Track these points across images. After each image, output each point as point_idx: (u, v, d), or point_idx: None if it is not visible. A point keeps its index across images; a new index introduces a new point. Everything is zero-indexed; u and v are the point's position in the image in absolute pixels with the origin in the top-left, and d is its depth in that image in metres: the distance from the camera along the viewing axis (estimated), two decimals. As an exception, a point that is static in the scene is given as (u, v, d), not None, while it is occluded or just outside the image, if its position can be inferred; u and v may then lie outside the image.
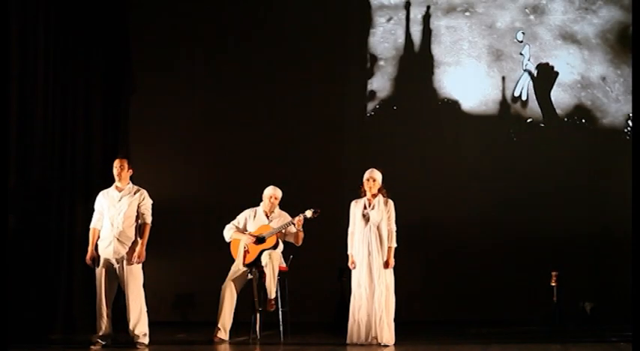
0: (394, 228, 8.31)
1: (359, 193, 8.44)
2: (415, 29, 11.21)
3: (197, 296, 10.89)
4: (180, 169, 11.13)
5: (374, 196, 8.35)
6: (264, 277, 8.44)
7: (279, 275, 8.48)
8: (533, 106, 11.00)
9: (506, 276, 10.57)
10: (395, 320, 8.25)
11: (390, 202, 8.34)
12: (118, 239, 8.07)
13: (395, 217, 8.32)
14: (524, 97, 10.98)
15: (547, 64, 10.97)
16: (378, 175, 8.37)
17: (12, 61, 8.65)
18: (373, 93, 11.25)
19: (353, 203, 8.43)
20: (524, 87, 10.99)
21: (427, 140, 11.08)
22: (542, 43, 11.02)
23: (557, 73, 10.93)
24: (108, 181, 8.42)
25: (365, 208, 8.34)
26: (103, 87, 10.33)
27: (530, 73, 10.96)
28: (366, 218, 8.30)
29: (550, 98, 10.96)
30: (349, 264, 8.35)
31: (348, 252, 8.36)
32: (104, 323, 8.09)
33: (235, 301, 8.52)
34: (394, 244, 8.28)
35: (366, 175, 8.39)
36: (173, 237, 10.68)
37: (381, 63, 11.25)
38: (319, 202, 8.68)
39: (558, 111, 10.98)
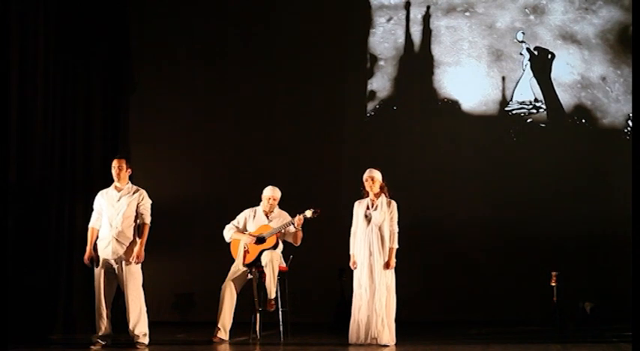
0: (396, 229, 8.29)
1: (361, 193, 8.42)
2: (415, 29, 11.20)
3: (197, 296, 10.89)
4: (180, 169, 11.13)
5: (377, 196, 8.32)
6: (264, 277, 8.44)
7: (279, 275, 8.48)
8: (533, 106, 11.00)
9: (506, 276, 10.57)
10: (395, 320, 8.25)
11: (393, 203, 8.32)
12: (116, 239, 8.06)
13: (398, 219, 8.32)
14: (526, 99, 11.00)
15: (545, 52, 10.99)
16: (376, 174, 8.35)
17: (12, 62, 8.65)
18: (373, 93, 11.24)
19: (356, 203, 8.41)
20: (524, 88, 11.01)
21: (427, 140, 11.07)
22: (542, 43, 11.01)
23: (553, 56, 10.92)
24: (108, 181, 8.42)
25: (368, 208, 8.32)
26: (103, 86, 10.31)
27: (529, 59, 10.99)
28: (368, 218, 8.27)
29: (557, 98, 10.99)
30: (350, 264, 8.33)
31: (350, 252, 8.34)
32: (104, 323, 8.09)
33: (235, 301, 8.51)
34: (395, 245, 8.25)
35: (365, 175, 8.37)
36: (173, 237, 10.67)
37: (381, 63, 11.25)
38: (319, 202, 8.68)
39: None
